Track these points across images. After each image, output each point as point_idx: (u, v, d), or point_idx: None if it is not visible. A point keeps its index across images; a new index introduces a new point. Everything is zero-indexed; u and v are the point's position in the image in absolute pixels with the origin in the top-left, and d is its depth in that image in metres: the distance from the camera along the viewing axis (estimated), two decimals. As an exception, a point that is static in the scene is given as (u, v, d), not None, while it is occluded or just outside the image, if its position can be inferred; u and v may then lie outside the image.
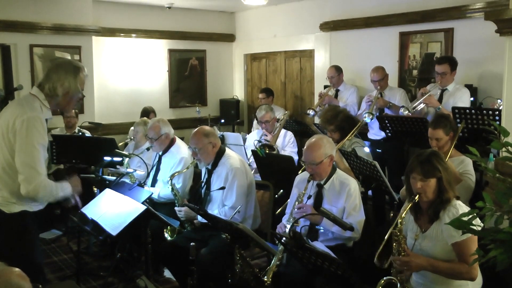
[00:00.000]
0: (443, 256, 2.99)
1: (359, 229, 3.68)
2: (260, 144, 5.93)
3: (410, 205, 3.03)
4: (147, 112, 7.63)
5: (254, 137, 6.28)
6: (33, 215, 3.20)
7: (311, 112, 6.58)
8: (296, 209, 3.74)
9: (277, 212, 4.45)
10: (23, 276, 1.91)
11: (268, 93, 7.89)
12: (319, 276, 3.16)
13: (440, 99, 5.41)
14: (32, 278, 1.98)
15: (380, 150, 6.02)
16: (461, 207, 3.01)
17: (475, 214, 1.88)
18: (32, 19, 7.34)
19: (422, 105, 5.37)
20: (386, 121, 5.32)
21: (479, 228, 1.98)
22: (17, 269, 1.91)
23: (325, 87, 7.35)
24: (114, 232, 3.63)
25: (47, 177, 3.15)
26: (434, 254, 3.01)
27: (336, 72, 6.82)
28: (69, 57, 7.65)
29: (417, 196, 3.01)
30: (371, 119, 5.76)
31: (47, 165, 3.20)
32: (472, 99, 5.59)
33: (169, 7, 8.59)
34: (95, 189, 5.00)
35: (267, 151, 5.70)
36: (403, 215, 3.01)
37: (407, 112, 5.31)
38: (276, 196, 4.53)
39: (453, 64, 5.41)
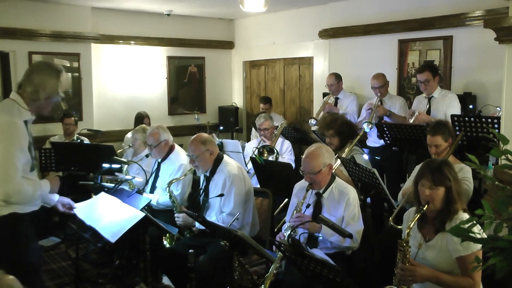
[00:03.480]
0: (446, 267, 2.95)
1: (358, 239, 3.66)
2: (260, 146, 5.95)
3: (418, 215, 2.99)
4: (141, 117, 7.62)
5: (253, 146, 6.28)
6: (27, 217, 3.15)
7: (313, 121, 6.55)
8: (294, 218, 3.72)
9: (275, 213, 4.42)
10: (18, 282, 1.90)
11: (270, 102, 7.96)
12: (318, 284, 3.15)
13: (428, 108, 5.44)
14: (26, 284, 1.95)
15: (379, 158, 6.02)
16: None
17: (474, 222, 1.88)
18: (31, 26, 7.36)
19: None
20: (385, 129, 5.33)
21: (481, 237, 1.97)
22: (11, 276, 1.90)
23: (324, 94, 7.35)
24: (112, 239, 3.62)
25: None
26: (436, 265, 2.97)
27: (336, 79, 6.82)
28: (68, 64, 7.69)
29: (426, 206, 2.98)
30: (370, 128, 5.75)
31: (31, 167, 3.17)
32: (471, 106, 5.59)
33: (168, 14, 8.61)
34: (93, 196, 4.99)
35: (265, 155, 5.70)
36: (411, 225, 2.96)
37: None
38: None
39: (434, 70, 5.43)
